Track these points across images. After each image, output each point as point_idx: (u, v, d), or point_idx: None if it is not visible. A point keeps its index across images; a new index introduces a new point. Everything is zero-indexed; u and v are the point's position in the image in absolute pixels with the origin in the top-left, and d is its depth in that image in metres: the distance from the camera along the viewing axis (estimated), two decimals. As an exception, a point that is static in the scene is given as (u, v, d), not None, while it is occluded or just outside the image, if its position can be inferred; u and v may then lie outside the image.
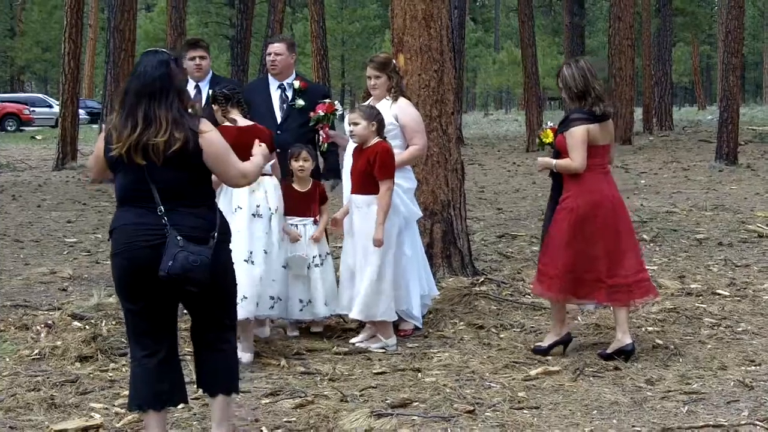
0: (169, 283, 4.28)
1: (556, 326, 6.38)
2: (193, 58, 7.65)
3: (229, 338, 4.66)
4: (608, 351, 6.15)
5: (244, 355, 6.08)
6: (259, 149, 4.88)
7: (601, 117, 6.29)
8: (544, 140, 6.53)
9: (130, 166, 4.38)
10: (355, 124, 6.49)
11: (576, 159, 6.18)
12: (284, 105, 7.42)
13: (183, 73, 4.60)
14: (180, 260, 4.23)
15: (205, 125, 4.43)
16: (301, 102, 7.29)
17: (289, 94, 7.45)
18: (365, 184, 6.47)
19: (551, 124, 6.68)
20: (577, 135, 6.21)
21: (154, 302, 4.43)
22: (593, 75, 6.34)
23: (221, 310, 4.59)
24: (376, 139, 6.54)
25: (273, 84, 7.51)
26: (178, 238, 4.28)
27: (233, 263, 4.63)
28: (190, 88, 7.62)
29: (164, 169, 4.34)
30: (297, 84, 7.45)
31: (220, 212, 4.55)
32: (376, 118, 6.55)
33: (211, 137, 4.42)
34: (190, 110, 4.48)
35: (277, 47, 7.51)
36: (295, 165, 6.74)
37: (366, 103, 7.11)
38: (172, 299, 4.49)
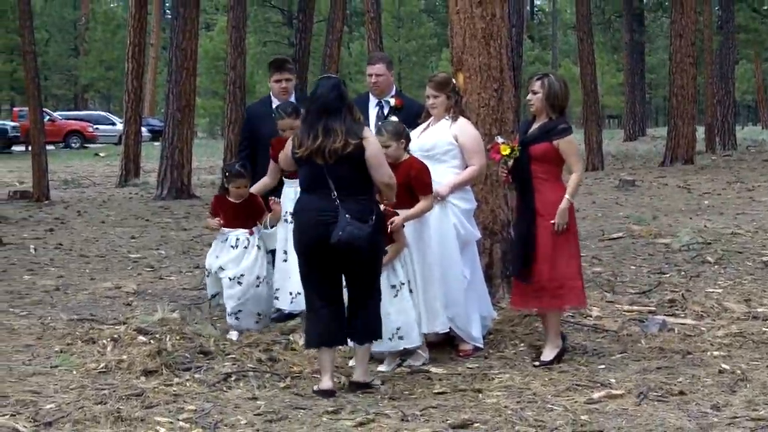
0: (336, 250, 5.72)
1: (558, 337, 6.67)
2: (278, 81, 7.78)
3: (373, 299, 6.02)
4: (551, 357, 6.53)
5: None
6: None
7: None
8: (505, 153, 6.64)
9: (311, 164, 5.84)
10: (386, 146, 6.37)
11: (579, 166, 6.64)
12: (379, 122, 7.47)
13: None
14: (348, 232, 5.68)
15: (367, 132, 5.93)
16: (394, 119, 7.25)
17: (386, 110, 7.52)
18: (400, 199, 6.35)
19: (502, 140, 6.77)
20: (574, 143, 6.66)
21: (325, 265, 5.88)
22: (569, 94, 6.80)
23: (369, 277, 5.98)
24: (406, 155, 6.55)
25: (372, 101, 7.67)
26: (347, 216, 5.72)
27: (383, 243, 6.08)
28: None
29: (338, 166, 5.79)
30: (392, 101, 7.58)
31: (377, 202, 6.00)
32: (403, 134, 6.54)
33: (371, 142, 5.89)
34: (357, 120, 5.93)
35: (377, 68, 7.67)
36: None
37: (425, 123, 7.12)
38: (336, 264, 5.88)
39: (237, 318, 7.31)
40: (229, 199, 7.45)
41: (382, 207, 6.12)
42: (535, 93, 6.65)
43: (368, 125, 7.42)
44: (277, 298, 7.39)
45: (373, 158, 5.85)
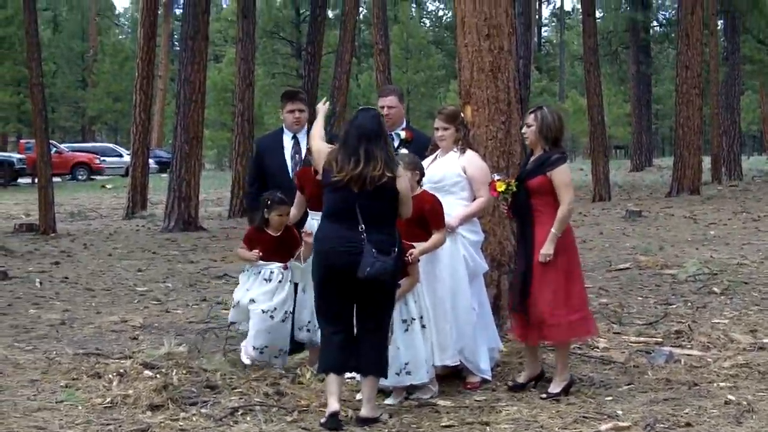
0: (360, 283, 5.78)
1: (566, 369, 6.69)
2: (292, 111, 7.74)
3: (382, 332, 6.03)
4: (558, 390, 6.55)
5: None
6: None
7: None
8: (501, 190, 6.68)
9: (343, 192, 5.87)
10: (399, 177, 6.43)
11: (567, 198, 6.56)
12: None
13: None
14: (376, 267, 5.74)
15: (401, 170, 6.03)
16: (404, 151, 7.21)
17: (396, 143, 7.53)
18: (412, 233, 6.42)
19: (498, 177, 6.83)
20: (567, 173, 6.63)
21: (342, 294, 5.95)
22: (563, 126, 6.81)
23: (384, 309, 6.03)
24: (419, 189, 6.57)
25: None
26: (373, 250, 5.77)
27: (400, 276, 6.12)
28: (288, 139, 7.75)
29: (369, 197, 5.85)
30: (403, 134, 7.56)
31: (399, 232, 6.03)
32: (417, 167, 6.58)
33: (405, 179, 6.05)
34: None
35: (389, 100, 7.65)
36: None
37: (433, 155, 7.15)
38: (353, 294, 5.94)
39: (261, 352, 7.17)
40: (268, 231, 7.22)
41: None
42: (529, 126, 6.72)
43: None
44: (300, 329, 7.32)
45: (405, 191, 6.04)
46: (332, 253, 5.92)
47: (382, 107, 7.65)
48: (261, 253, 7.17)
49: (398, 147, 7.47)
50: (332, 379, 5.97)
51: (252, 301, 7.17)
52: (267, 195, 7.22)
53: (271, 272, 7.20)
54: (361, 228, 5.83)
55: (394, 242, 5.96)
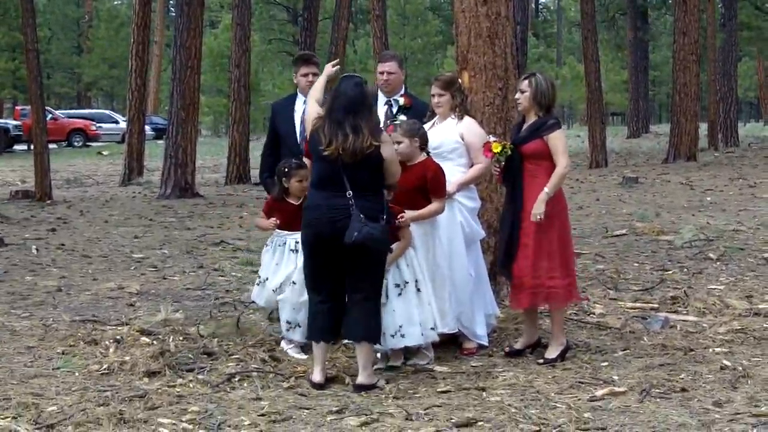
0: (347, 249, 5.81)
1: (562, 335, 6.72)
2: (306, 75, 7.67)
3: (372, 299, 6.06)
4: (555, 355, 6.58)
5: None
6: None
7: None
8: (496, 151, 6.66)
9: (330, 161, 5.89)
10: (398, 143, 6.41)
11: (563, 162, 6.57)
12: (387, 121, 7.42)
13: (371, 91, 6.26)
14: (364, 233, 5.77)
15: (385, 137, 6.06)
16: (403, 118, 7.18)
17: (395, 109, 7.49)
18: (413, 200, 6.43)
19: (494, 138, 6.83)
20: (562, 137, 6.64)
21: (330, 262, 5.99)
22: (556, 93, 6.85)
23: (373, 276, 6.04)
24: (422, 156, 6.56)
25: (381, 99, 7.58)
26: (361, 216, 5.80)
27: (390, 242, 6.09)
28: (300, 103, 7.69)
29: (356, 166, 5.88)
30: (402, 100, 7.53)
31: (386, 199, 6.06)
32: (418, 133, 6.55)
33: (389, 146, 6.06)
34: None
35: (389, 66, 7.60)
36: None
37: (431, 121, 7.13)
38: (342, 261, 5.95)
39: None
40: (289, 200, 6.90)
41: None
42: (522, 92, 6.71)
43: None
44: None
45: (389, 162, 6.03)
46: (319, 221, 5.96)
47: (382, 73, 7.60)
48: (278, 221, 6.90)
49: (396, 113, 7.44)
50: (318, 348, 6.09)
51: (293, 283, 6.77)
52: (282, 164, 6.97)
53: (297, 242, 6.76)
54: (349, 194, 5.88)
55: (382, 209, 5.99)
